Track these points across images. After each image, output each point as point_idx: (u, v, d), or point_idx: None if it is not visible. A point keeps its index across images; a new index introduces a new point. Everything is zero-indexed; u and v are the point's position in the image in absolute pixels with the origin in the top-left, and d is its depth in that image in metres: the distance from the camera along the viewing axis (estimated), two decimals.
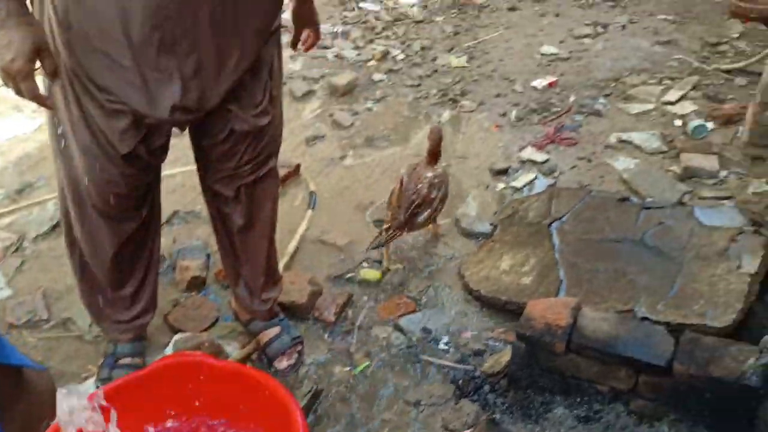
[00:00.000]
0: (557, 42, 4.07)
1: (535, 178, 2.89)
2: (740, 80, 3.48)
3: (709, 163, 2.83)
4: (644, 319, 1.99)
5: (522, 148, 3.09)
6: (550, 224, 2.49)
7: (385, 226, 2.41)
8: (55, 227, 2.63)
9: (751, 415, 1.61)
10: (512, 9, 4.57)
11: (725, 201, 2.62)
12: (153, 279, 2.00)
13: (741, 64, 3.57)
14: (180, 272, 2.39)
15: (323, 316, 2.23)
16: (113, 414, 1.31)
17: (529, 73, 3.74)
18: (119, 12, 1.41)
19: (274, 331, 2.08)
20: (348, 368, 2.06)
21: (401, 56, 4.00)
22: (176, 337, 2.02)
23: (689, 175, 2.79)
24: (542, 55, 3.93)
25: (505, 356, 1.97)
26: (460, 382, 1.99)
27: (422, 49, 4.07)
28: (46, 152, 3.03)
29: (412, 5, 4.66)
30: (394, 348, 2.13)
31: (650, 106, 3.34)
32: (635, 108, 3.34)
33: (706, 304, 2.02)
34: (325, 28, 4.10)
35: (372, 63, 3.94)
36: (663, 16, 4.29)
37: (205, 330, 2.17)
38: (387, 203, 2.51)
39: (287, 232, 2.56)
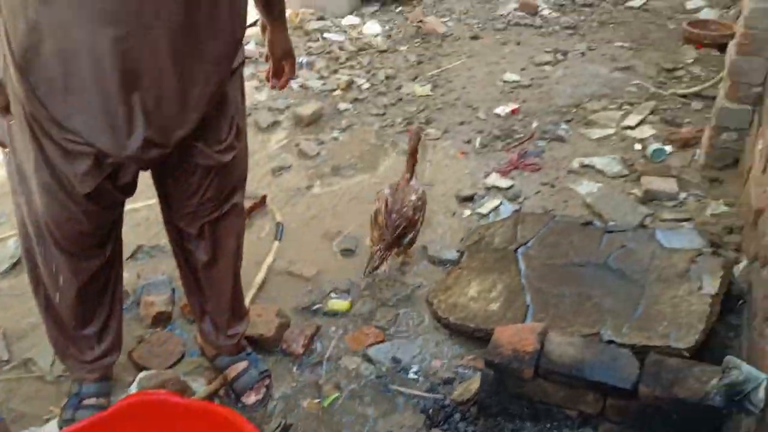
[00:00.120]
0: (519, 70, 4.15)
1: (501, 204, 2.93)
2: (696, 104, 3.58)
3: (669, 185, 2.89)
4: (610, 342, 2.01)
5: (487, 175, 3.13)
6: (516, 250, 2.52)
7: (375, 247, 2.45)
8: (16, 264, 2.57)
9: None
10: (474, 38, 4.66)
11: (685, 223, 2.68)
12: (118, 317, 1.96)
13: (696, 89, 3.68)
14: (145, 308, 2.35)
15: (291, 349, 2.21)
16: None
17: (492, 100, 3.80)
18: (86, 51, 1.39)
19: (242, 365, 2.05)
20: (317, 401, 2.04)
21: (366, 85, 4.04)
22: (141, 375, 1.99)
23: (650, 197, 2.86)
24: (504, 82, 4.01)
25: (475, 384, 1.97)
26: (431, 411, 1.98)
27: (387, 78, 4.12)
28: (6, 188, 2.97)
29: (376, 35, 4.72)
30: (363, 379, 2.12)
31: (611, 131, 3.42)
32: (596, 133, 3.42)
33: (669, 326, 2.06)
34: None
35: (337, 93, 3.97)
36: (620, 43, 4.42)
37: (171, 366, 2.14)
38: (372, 221, 2.53)
39: (254, 263, 2.54)
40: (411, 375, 2.12)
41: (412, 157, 2.55)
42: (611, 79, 3.95)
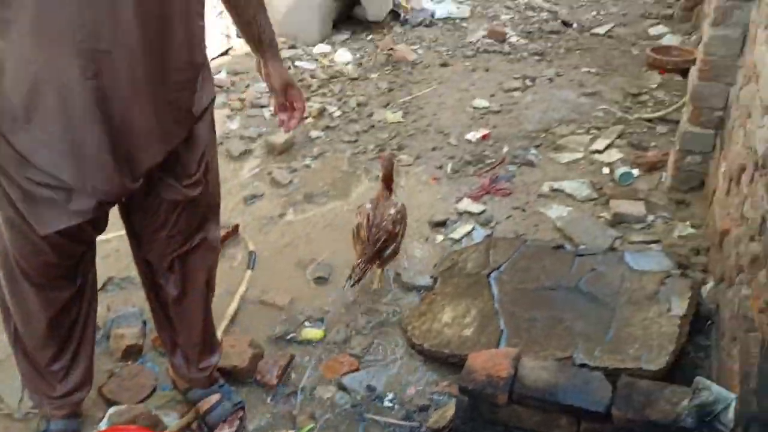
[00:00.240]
0: (488, 96, 4.21)
1: (473, 229, 2.95)
2: (661, 128, 3.66)
3: (637, 208, 2.95)
4: (582, 365, 2.02)
5: (459, 200, 3.16)
6: (488, 274, 2.54)
7: (358, 261, 2.49)
8: None
9: None
10: (444, 65, 4.72)
11: (653, 245, 2.73)
12: (88, 351, 1.92)
13: (661, 113, 3.77)
14: (115, 341, 2.31)
15: (265, 379, 2.19)
16: None
17: (462, 126, 3.85)
18: (48, 81, 1.39)
19: (215, 398, 2.02)
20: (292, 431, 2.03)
21: (338, 113, 4.06)
22: (111, 410, 1.95)
23: (618, 220, 2.90)
24: (474, 108, 4.06)
25: (450, 410, 1.97)
26: None
27: (358, 105, 4.15)
28: None
29: (347, 63, 4.76)
30: (338, 408, 2.10)
31: (579, 155, 3.48)
32: (565, 157, 3.47)
33: (640, 348, 2.08)
34: (261, 86, 4.15)
35: (309, 120, 3.98)
36: (587, 69, 4.51)
37: (143, 401, 2.10)
38: (354, 235, 2.57)
39: (227, 293, 2.52)
40: (386, 403, 2.12)
41: (387, 182, 2.61)
42: (579, 104, 4.03)
